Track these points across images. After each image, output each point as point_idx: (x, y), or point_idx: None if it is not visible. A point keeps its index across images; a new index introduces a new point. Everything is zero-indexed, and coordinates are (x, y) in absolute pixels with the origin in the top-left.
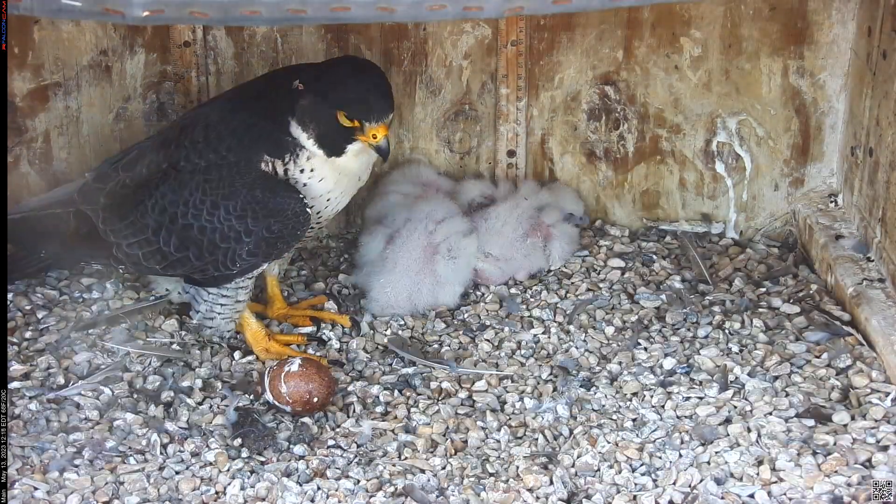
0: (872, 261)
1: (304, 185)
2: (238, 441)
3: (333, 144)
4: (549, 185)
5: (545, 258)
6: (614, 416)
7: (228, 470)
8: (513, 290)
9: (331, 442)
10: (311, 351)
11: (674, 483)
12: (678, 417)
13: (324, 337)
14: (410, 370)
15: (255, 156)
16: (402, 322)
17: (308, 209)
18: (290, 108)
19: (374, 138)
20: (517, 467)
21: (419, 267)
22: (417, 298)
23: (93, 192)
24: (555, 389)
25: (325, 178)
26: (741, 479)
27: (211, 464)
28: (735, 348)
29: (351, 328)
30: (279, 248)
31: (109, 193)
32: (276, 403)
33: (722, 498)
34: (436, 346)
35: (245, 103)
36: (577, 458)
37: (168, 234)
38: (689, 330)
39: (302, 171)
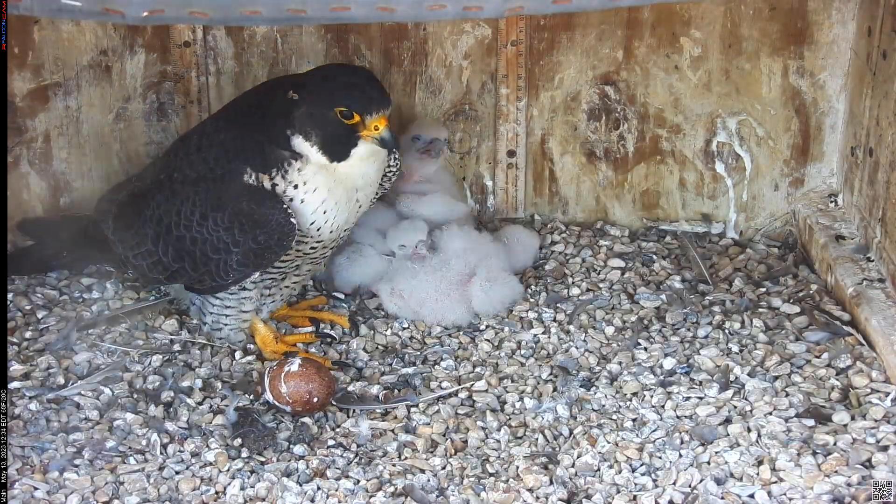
0: (872, 261)
1: (302, 201)
2: (238, 441)
3: (337, 149)
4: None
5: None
6: (614, 416)
7: (228, 470)
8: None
9: (331, 442)
10: (313, 349)
11: (674, 483)
12: (678, 417)
13: (333, 333)
14: (410, 370)
15: (239, 169)
16: (405, 324)
17: (292, 219)
18: (289, 121)
19: (377, 130)
20: (517, 467)
21: (450, 288)
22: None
23: (106, 204)
24: (555, 389)
25: (319, 187)
26: (741, 479)
27: (211, 464)
28: (735, 348)
29: (350, 329)
30: (267, 258)
31: (118, 204)
32: (276, 403)
33: (722, 498)
34: (437, 346)
35: (238, 117)
36: (577, 458)
37: (165, 245)
38: (689, 330)
39: (296, 186)
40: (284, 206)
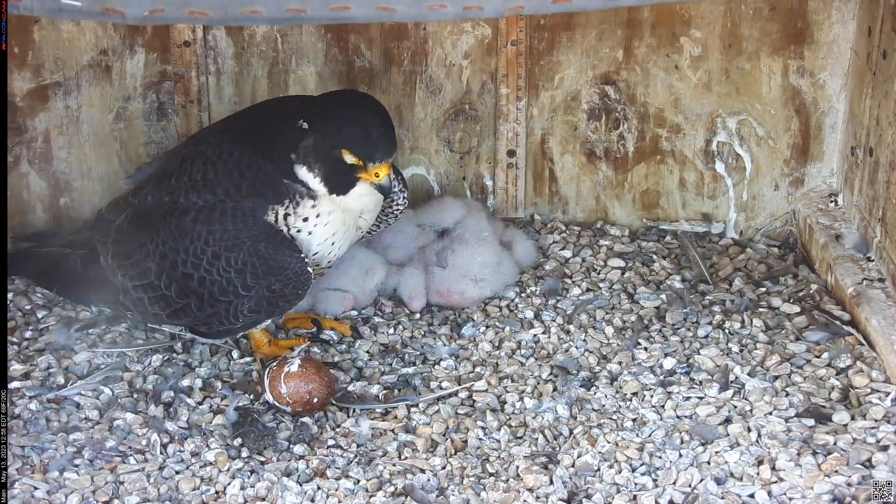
0: (872, 261)
1: (310, 232)
2: (238, 441)
3: (338, 184)
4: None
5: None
6: (614, 416)
7: (228, 470)
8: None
9: (331, 442)
10: (315, 349)
11: (674, 483)
12: (678, 417)
13: (325, 337)
14: (410, 370)
15: (259, 206)
16: (405, 323)
17: (309, 269)
18: (295, 150)
19: (377, 177)
20: (517, 467)
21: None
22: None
23: (105, 224)
24: (555, 389)
25: (330, 222)
26: (741, 479)
27: (211, 463)
28: (735, 348)
29: (352, 336)
30: (281, 306)
31: (118, 229)
32: (277, 404)
33: (722, 498)
34: (437, 346)
35: (242, 138)
36: (577, 457)
37: (169, 280)
38: (689, 330)
39: (306, 219)
40: (302, 254)
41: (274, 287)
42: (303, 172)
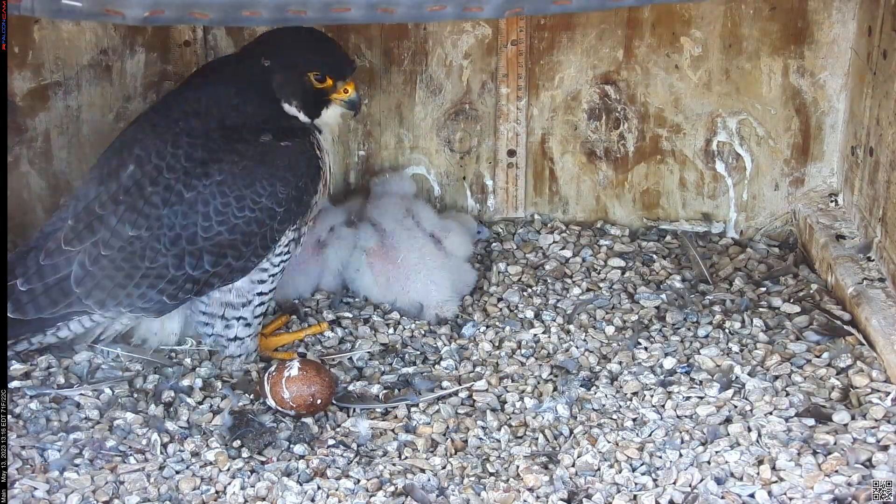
0: (873, 260)
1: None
2: (238, 442)
3: (314, 109)
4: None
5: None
6: (614, 416)
7: (228, 469)
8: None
9: (331, 441)
10: (310, 355)
11: (674, 483)
12: (678, 417)
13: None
14: (411, 370)
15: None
16: (404, 325)
17: (317, 151)
18: (269, 89)
19: (346, 93)
20: (517, 467)
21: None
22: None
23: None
24: (555, 389)
25: (327, 149)
26: (741, 479)
27: (211, 463)
28: (735, 348)
29: (331, 329)
30: (305, 201)
31: (92, 257)
32: (280, 409)
33: (722, 497)
34: (436, 347)
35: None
36: (578, 457)
37: (193, 258)
38: (689, 329)
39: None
40: (306, 140)
41: (300, 184)
42: (288, 108)
